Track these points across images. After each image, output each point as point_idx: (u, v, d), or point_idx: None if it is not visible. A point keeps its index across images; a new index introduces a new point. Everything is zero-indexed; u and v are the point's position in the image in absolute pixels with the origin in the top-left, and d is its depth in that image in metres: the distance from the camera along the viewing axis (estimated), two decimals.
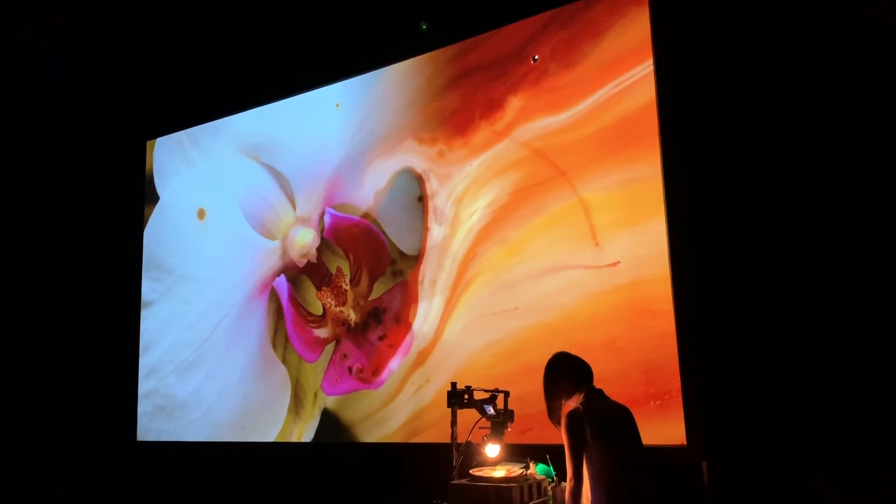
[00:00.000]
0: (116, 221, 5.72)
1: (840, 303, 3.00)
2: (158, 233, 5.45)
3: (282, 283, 4.72)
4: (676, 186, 3.34)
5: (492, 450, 2.72)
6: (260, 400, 4.69)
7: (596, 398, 2.47)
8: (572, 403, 2.48)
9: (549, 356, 2.65)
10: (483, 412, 2.74)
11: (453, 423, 2.75)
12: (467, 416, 2.77)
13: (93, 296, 5.77)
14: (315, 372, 4.47)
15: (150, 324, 5.41)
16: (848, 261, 3.00)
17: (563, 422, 2.40)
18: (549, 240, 3.66)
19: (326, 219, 4.57)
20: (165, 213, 5.44)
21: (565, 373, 2.56)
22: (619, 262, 3.43)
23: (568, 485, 2.35)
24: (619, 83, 3.56)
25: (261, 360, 4.74)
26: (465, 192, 4.00)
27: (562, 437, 2.39)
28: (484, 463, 2.73)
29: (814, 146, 3.12)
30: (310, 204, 4.66)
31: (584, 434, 2.33)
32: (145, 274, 5.49)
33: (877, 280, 2.94)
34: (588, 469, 2.32)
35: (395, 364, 4.12)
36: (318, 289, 4.55)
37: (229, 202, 5.04)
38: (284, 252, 4.74)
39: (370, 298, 4.31)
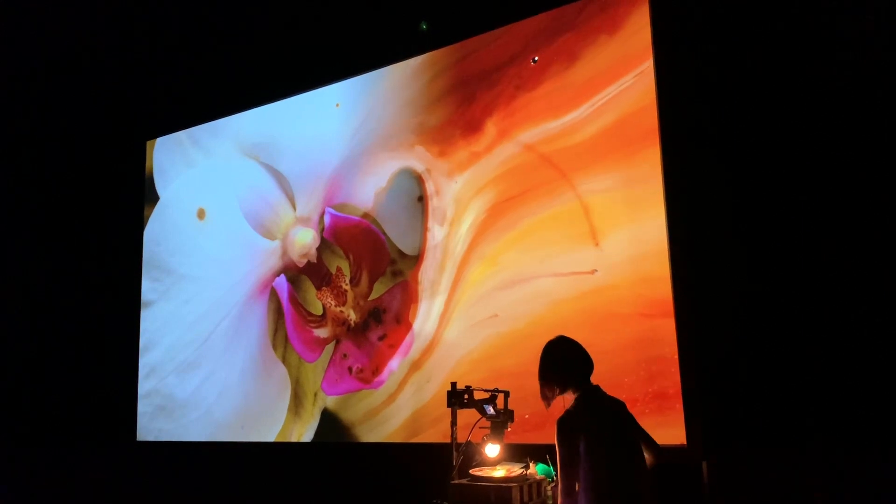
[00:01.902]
0: (116, 221, 5.73)
1: (840, 302, 3.00)
2: (158, 233, 5.45)
3: (282, 283, 4.72)
4: (676, 187, 3.34)
5: (492, 450, 2.72)
6: (260, 400, 4.69)
7: (592, 397, 2.41)
8: (567, 399, 2.44)
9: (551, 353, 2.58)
10: (483, 412, 2.74)
11: (453, 423, 2.75)
12: (467, 416, 2.77)
13: (93, 296, 5.77)
14: (315, 372, 4.47)
15: (150, 324, 5.41)
16: (848, 260, 3.00)
17: (555, 430, 2.33)
18: (547, 243, 3.66)
19: (326, 219, 4.57)
20: (165, 213, 5.44)
21: (561, 365, 2.47)
22: (596, 271, 3.45)
23: (560, 499, 2.29)
24: (618, 85, 3.56)
25: (261, 360, 4.74)
26: (465, 192, 4.01)
27: (555, 444, 2.34)
28: (484, 463, 2.73)
29: (814, 146, 3.12)
30: (310, 204, 4.66)
31: (577, 447, 2.27)
32: (145, 274, 5.49)
33: (877, 279, 2.94)
34: (582, 480, 2.26)
35: (395, 364, 4.12)
36: (318, 289, 4.55)
37: (229, 202, 5.04)
38: (284, 252, 4.74)
39: (370, 298, 4.31)
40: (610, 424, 2.37)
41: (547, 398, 2.48)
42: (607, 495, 2.23)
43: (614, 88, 3.57)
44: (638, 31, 3.55)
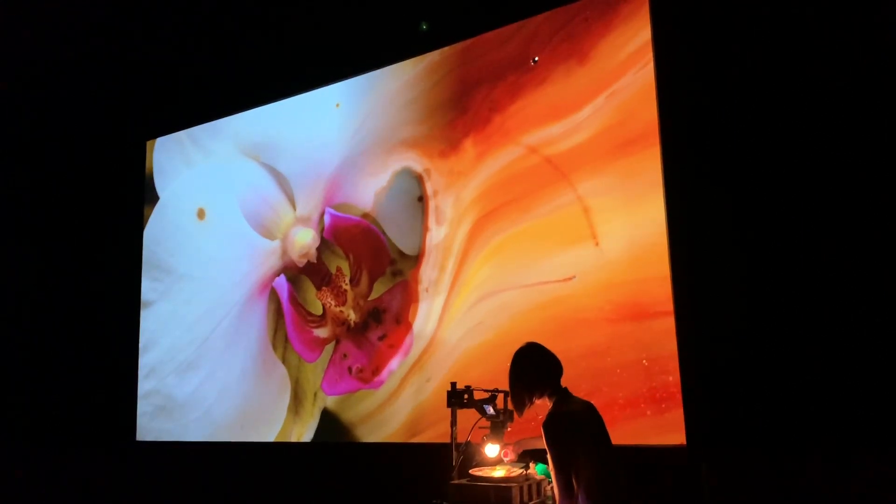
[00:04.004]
0: (116, 221, 5.73)
1: (841, 302, 2.99)
2: (158, 233, 5.45)
3: (282, 283, 4.72)
4: (676, 188, 3.34)
5: (491, 450, 2.72)
6: (260, 400, 4.69)
7: (569, 399, 2.45)
8: (545, 403, 2.46)
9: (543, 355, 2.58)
10: (483, 412, 2.73)
11: (453, 423, 2.75)
12: (468, 415, 2.77)
13: (93, 296, 5.77)
14: (315, 372, 4.47)
15: (150, 324, 5.41)
16: (849, 260, 3.00)
17: (545, 430, 2.34)
18: (545, 244, 3.66)
19: (326, 219, 4.57)
20: (165, 213, 5.44)
21: (539, 370, 2.50)
22: (574, 277, 3.49)
23: (559, 499, 2.30)
24: (619, 86, 3.55)
25: (260, 360, 4.74)
26: (466, 192, 4.00)
27: (546, 445, 2.34)
28: (483, 463, 2.73)
29: (814, 146, 3.12)
30: (310, 204, 4.66)
31: (571, 446, 2.29)
32: (145, 274, 5.49)
33: (877, 279, 2.94)
34: (577, 479, 2.27)
35: (395, 364, 4.12)
36: (318, 289, 4.55)
37: (229, 202, 5.04)
38: (284, 252, 4.74)
39: (370, 298, 4.31)
40: (593, 424, 2.40)
41: (524, 404, 2.50)
42: (604, 493, 2.24)
43: (616, 88, 3.57)
44: (640, 30, 3.54)
